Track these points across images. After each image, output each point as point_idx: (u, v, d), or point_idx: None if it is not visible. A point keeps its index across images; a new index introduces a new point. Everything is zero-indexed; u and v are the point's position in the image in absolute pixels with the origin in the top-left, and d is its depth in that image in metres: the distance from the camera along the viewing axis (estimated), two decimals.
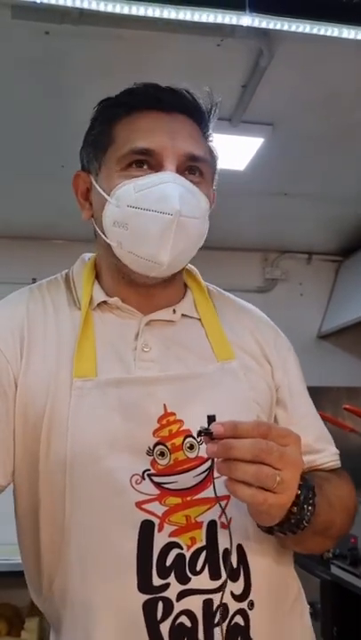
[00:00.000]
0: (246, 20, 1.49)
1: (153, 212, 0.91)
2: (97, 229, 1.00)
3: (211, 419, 0.79)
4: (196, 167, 0.96)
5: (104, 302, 1.00)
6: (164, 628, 0.83)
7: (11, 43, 1.95)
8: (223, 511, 0.86)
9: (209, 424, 0.78)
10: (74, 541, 0.88)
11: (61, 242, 3.69)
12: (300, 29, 1.54)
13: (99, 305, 1.00)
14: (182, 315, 1.02)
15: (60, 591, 0.90)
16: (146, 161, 0.94)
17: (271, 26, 1.53)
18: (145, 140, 0.93)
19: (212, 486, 0.84)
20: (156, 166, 0.94)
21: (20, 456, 0.92)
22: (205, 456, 0.84)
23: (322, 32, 1.55)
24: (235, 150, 2.58)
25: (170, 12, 1.55)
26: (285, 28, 1.52)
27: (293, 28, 1.54)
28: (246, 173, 2.77)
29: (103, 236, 0.97)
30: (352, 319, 3.56)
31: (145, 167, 0.94)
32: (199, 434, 0.79)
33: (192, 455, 0.90)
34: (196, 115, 0.99)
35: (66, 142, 2.52)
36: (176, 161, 0.94)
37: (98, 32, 1.88)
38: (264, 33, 1.89)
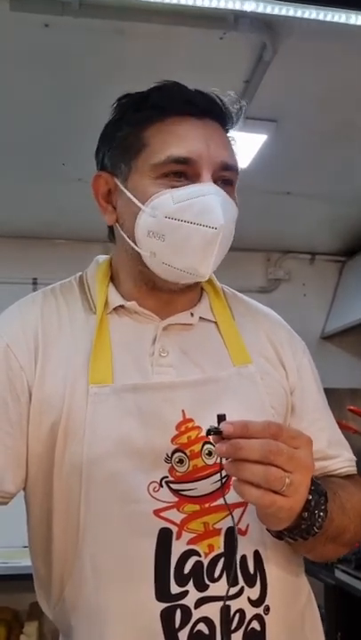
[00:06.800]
0: (250, 4, 1.45)
1: (196, 224, 0.89)
2: (123, 235, 0.97)
3: (221, 418, 0.77)
4: (228, 176, 0.95)
5: (121, 306, 0.98)
6: (183, 635, 0.83)
7: (9, 36, 1.92)
8: (234, 521, 0.85)
9: (219, 423, 0.77)
10: (88, 548, 0.87)
11: (62, 241, 3.68)
12: (306, 15, 1.50)
13: (115, 309, 0.98)
14: (200, 318, 1.01)
15: (72, 598, 0.89)
16: (183, 170, 0.91)
17: (276, 11, 1.49)
18: (182, 147, 0.90)
19: (230, 492, 0.82)
20: (194, 176, 0.91)
21: (35, 462, 0.91)
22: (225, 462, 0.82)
23: (328, 18, 1.51)
24: (237, 147, 2.54)
25: None
26: (290, 13, 1.48)
27: (299, 14, 1.49)
28: (249, 171, 2.74)
29: (132, 244, 0.95)
30: (356, 320, 3.54)
31: (182, 177, 0.91)
32: (208, 433, 0.77)
33: (210, 462, 0.89)
34: (224, 120, 0.97)
35: (67, 139, 2.51)
36: (211, 169, 0.92)
37: (99, 25, 1.86)
38: (268, 26, 1.86)
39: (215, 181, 0.92)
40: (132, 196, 0.93)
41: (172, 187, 0.91)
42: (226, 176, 0.94)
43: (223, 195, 0.91)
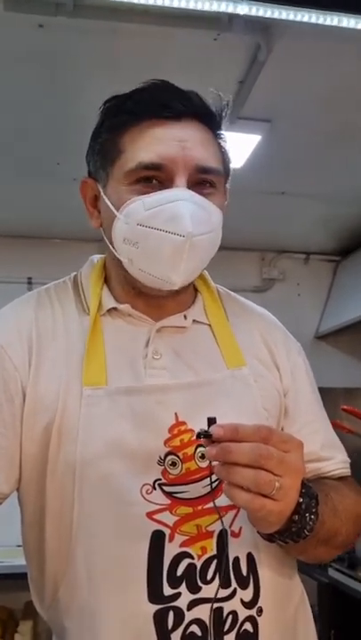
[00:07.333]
0: (243, 8, 1.45)
1: (164, 232, 0.87)
2: (106, 240, 0.97)
3: (211, 421, 0.77)
4: (208, 179, 0.92)
5: (114, 308, 0.98)
6: (175, 637, 0.83)
7: (3, 36, 1.92)
8: (224, 524, 0.85)
9: (209, 426, 0.76)
10: (81, 550, 0.87)
11: (57, 241, 3.68)
12: (298, 18, 1.50)
13: (108, 311, 0.98)
14: (193, 320, 1.00)
15: (66, 599, 0.89)
16: (155, 176, 0.89)
17: (269, 14, 1.49)
18: (154, 152, 0.89)
19: (223, 495, 0.81)
20: (167, 181, 0.89)
21: (29, 462, 0.91)
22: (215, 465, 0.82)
23: (320, 21, 1.51)
24: (231, 147, 2.54)
25: (164, 0, 1.50)
26: (283, 16, 1.49)
27: (291, 17, 1.50)
28: (243, 171, 2.74)
29: (113, 250, 0.95)
30: (350, 319, 3.55)
31: (154, 182, 0.90)
32: (198, 436, 0.77)
33: (203, 465, 0.88)
34: (206, 118, 0.94)
35: (62, 139, 2.51)
36: (187, 173, 0.89)
37: (93, 25, 1.86)
38: (262, 27, 1.86)
39: (194, 185, 0.90)
40: (109, 203, 0.93)
41: (145, 193, 0.89)
42: (205, 178, 0.92)
43: (197, 200, 0.89)
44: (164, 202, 0.88)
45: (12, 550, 2.84)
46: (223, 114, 0.96)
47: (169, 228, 0.87)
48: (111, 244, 0.95)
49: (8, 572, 2.91)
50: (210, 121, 0.95)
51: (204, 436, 0.76)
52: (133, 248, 0.90)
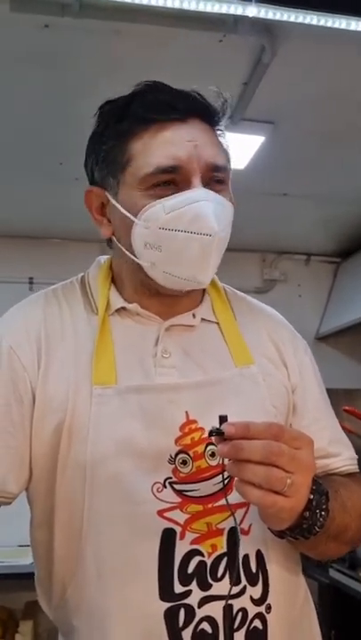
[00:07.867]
0: (252, 10, 1.46)
1: (189, 233, 0.88)
2: (121, 247, 0.96)
3: (222, 419, 0.77)
4: (219, 176, 0.93)
5: (123, 308, 0.98)
6: (186, 635, 0.83)
7: (9, 37, 1.92)
8: (236, 522, 0.86)
9: (220, 424, 0.77)
10: (91, 549, 0.87)
11: (58, 241, 3.68)
12: (307, 21, 1.51)
13: (117, 310, 0.98)
14: (202, 319, 1.01)
15: (75, 599, 0.89)
16: (172, 178, 0.89)
17: (278, 17, 1.50)
18: (168, 155, 0.89)
19: (233, 493, 0.82)
20: (183, 182, 0.90)
21: (40, 462, 0.91)
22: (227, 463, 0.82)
23: (329, 24, 1.52)
24: (234, 149, 2.54)
25: (174, 2, 1.51)
26: (292, 19, 1.49)
27: (300, 20, 1.51)
28: (246, 172, 2.75)
29: (132, 256, 0.94)
30: (350, 321, 3.56)
31: (171, 185, 0.90)
32: (210, 434, 0.77)
33: (213, 463, 0.89)
34: (210, 117, 0.95)
35: (64, 140, 2.51)
36: (201, 173, 0.90)
37: (99, 26, 1.86)
38: (266, 29, 1.87)
39: (207, 183, 0.91)
40: (124, 210, 0.92)
41: (163, 196, 0.89)
42: (217, 176, 0.92)
43: (215, 198, 0.90)
44: (187, 203, 0.88)
45: (12, 550, 2.84)
46: (224, 111, 0.96)
47: (194, 228, 0.88)
48: (128, 249, 0.94)
49: (8, 572, 2.90)
50: (212, 119, 0.95)
51: (216, 433, 0.76)
52: (156, 252, 0.91)
